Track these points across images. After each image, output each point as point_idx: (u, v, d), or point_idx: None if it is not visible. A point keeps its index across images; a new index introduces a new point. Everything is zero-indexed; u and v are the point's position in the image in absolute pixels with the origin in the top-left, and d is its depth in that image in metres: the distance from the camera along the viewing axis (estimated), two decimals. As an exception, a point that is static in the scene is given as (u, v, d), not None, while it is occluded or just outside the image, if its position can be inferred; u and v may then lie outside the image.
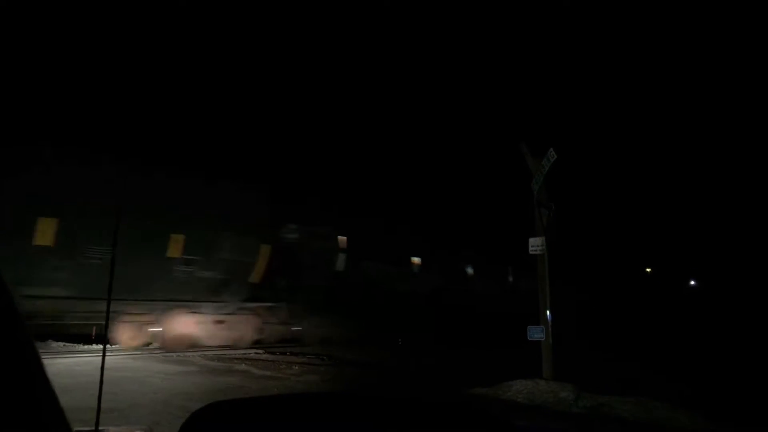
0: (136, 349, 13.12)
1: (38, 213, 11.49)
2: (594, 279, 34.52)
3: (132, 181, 12.33)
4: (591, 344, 16.09)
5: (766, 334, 19.55)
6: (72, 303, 12.21)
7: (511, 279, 29.26)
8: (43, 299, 11.58)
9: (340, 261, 18.46)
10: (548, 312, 9.92)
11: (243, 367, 11.44)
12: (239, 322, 15.21)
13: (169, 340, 13.53)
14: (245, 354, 13.67)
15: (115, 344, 12.95)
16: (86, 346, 12.58)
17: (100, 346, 14.37)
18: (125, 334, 12.95)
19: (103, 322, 11.84)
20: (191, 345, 13.82)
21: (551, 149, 10.04)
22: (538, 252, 10.19)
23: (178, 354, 12.88)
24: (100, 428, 1.26)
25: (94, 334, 13.06)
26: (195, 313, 14.08)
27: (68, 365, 9.78)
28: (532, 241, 10.24)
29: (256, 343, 15.30)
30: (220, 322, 14.72)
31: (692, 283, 47.10)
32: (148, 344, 13.59)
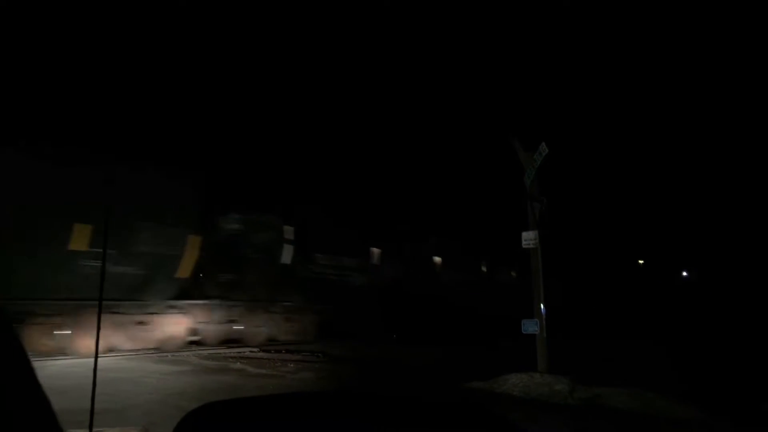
0: (46, 355, 11.25)
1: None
2: (586, 272, 34.66)
3: (38, 166, 11.06)
4: (583, 337, 16.18)
5: (758, 325, 19.72)
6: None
7: (485, 270, 28.28)
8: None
9: (287, 253, 17.06)
10: (542, 306, 9.96)
11: (238, 365, 11.43)
12: (166, 322, 13.58)
13: (80, 344, 11.51)
14: (240, 353, 13.65)
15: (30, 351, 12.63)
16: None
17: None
18: (31, 337, 11.02)
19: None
20: (106, 349, 11.49)
21: (543, 143, 10.06)
22: (531, 246, 10.22)
23: (173, 354, 12.84)
24: (94, 430, 1.25)
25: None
26: (112, 313, 12.17)
27: (62, 367, 9.74)
28: (525, 235, 10.26)
29: (191, 345, 14.05)
30: (142, 323, 13.04)
31: (684, 274, 47.38)
32: (61, 349, 11.58)
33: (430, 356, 14.13)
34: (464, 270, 26.08)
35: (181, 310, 14.07)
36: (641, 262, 45.62)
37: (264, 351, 14.14)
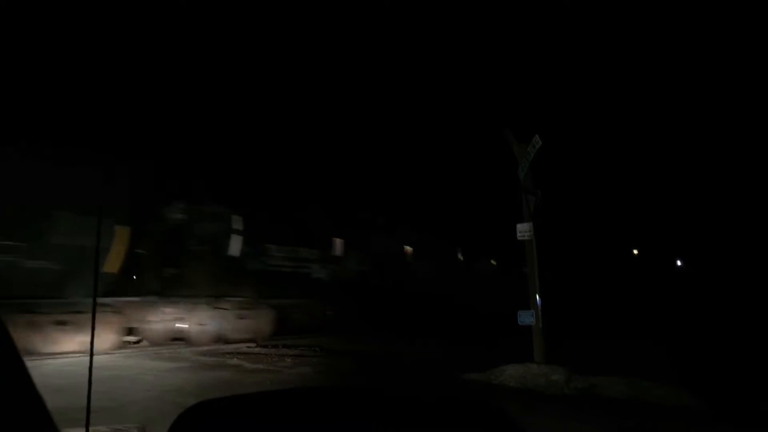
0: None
1: None
2: (581, 262, 34.77)
3: None
4: (578, 327, 16.24)
5: (750, 314, 19.84)
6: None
7: (461, 259, 26.76)
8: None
9: (235, 244, 15.83)
10: (537, 297, 10.01)
11: (235, 361, 11.44)
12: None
13: None
14: (237, 348, 13.65)
15: None
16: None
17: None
18: None
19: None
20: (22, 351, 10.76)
21: (536, 136, 10.08)
22: (526, 238, 10.25)
23: (169, 351, 12.83)
24: (91, 428, 1.25)
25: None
26: (25, 313, 11.22)
27: (59, 366, 9.73)
28: (519, 227, 10.30)
29: (125, 345, 13.11)
30: (63, 322, 11.80)
31: (679, 263, 47.58)
32: None
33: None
34: (439, 260, 24.68)
35: (113, 309, 12.73)
36: (636, 252, 45.81)
37: (261, 346, 14.14)
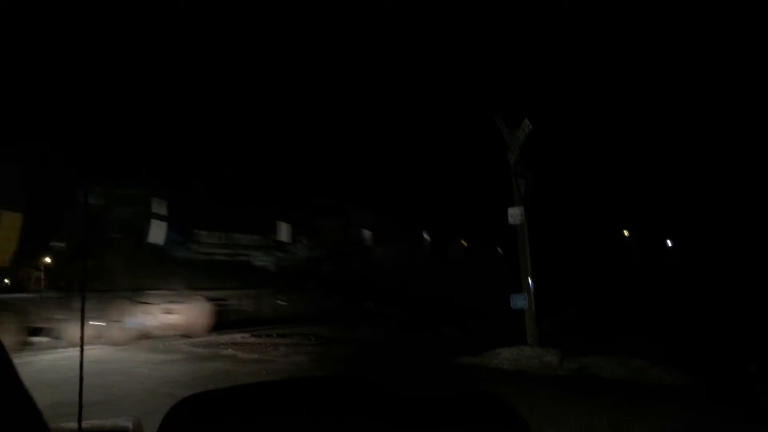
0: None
1: None
2: (571, 244, 34.93)
3: None
4: (568, 309, 16.35)
5: (740, 292, 20.05)
6: None
7: (428, 241, 25.01)
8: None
9: (158, 231, 14.11)
10: (530, 280, 10.06)
11: (229, 351, 11.44)
12: None
13: None
14: (231, 339, 13.65)
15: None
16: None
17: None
18: None
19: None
20: None
21: (526, 120, 10.09)
22: (517, 222, 10.28)
23: (164, 343, 12.82)
24: (83, 423, 1.24)
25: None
26: None
27: (52, 361, 9.70)
28: (511, 211, 10.32)
29: (26, 346, 11.66)
30: None
31: (669, 243, 47.94)
32: None
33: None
34: (403, 245, 22.97)
35: (6, 306, 11.43)
36: (626, 233, 46.09)
37: (254, 336, 14.15)
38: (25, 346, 11.43)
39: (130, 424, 1.38)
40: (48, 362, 9.52)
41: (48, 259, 13.78)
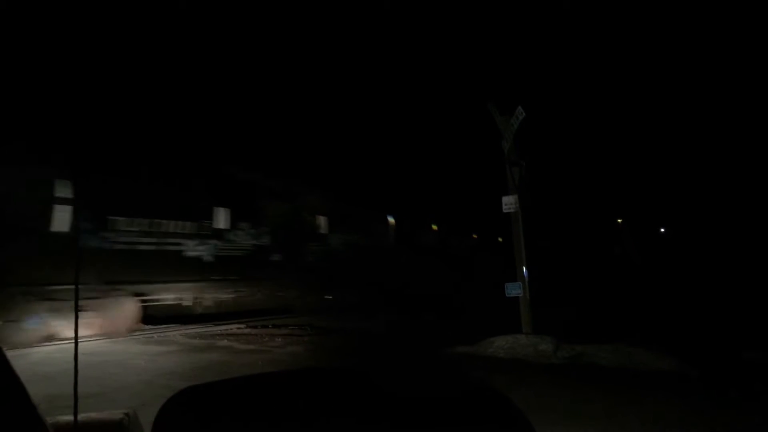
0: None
1: None
2: (565, 233, 35.07)
3: None
4: (561, 297, 16.44)
5: (737, 278, 20.20)
6: None
7: (392, 226, 22.87)
8: None
9: (61, 217, 12.34)
10: (524, 268, 10.10)
11: (225, 342, 11.45)
12: None
13: None
14: (227, 330, 13.66)
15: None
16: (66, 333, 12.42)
17: (80, 333, 13.79)
18: None
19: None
20: None
21: (519, 107, 10.07)
22: (511, 210, 10.29)
23: (159, 334, 12.81)
24: (79, 415, 1.24)
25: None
26: None
27: (48, 353, 9.67)
28: (505, 199, 10.33)
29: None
30: None
31: (662, 230, 48.18)
32: None
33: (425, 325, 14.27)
34: (366, 233, 21.08)
35: None
36: (620, 221, 46.29)
37: (251, 327, 14.17)
38: None
39: (126, 417, 1.38)
40: (43, 354, 9.50)
41: None
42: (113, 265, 12.88)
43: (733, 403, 5.87)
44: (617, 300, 17.38)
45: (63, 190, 12.43)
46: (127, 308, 12.97)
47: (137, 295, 13.26)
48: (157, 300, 13.93)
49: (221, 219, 15.98)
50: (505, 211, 10.37)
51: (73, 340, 1.27)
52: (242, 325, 14.47)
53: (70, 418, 1.23)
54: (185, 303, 14.67)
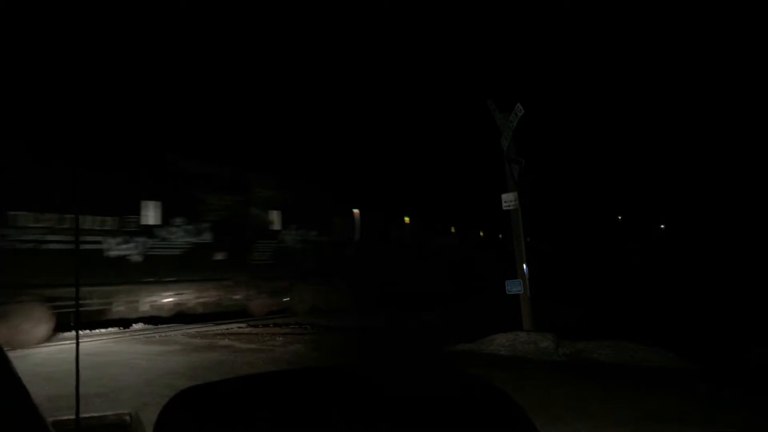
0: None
1: None
2: (567, 231, 35.06)
3: None
4: (563, 294, 16.45)
5: (737, 275, 20.19)
6: None
7: (357, 219, 20.25)
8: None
9: None
10: (525, 266, 10.10)
11: (226, 342, 11.46)
12: None
13: None
14: (228, 329, 13.68)
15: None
16: (65, 333, 12.44)
17: (81, 332, 12.82)
18: None
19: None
20: None
21: (518, 104, 10.07)
22: (511, 207, 10.30)
23: (160, 334, 12.83)
24: (81, 416, 1.24)
25: (72, 320, 12.21)
26: None
27: (50, 354, 9.69)
28: (504, 196, 10.34)
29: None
30: None
31: (662, 226, 48.18)
32: None
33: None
34: (327, 228, 18.94)
35: None
36: (620, 217, 46.30)
37: (251, 326, 14.19)
38: None
39: (128, 417, 1.38)
40: (44, 355, 9.51)
41: None
42: (15, 267, 11.42)
43: (733, 400, 5.88)
44: (617, 297, 17.39)
45: None
46: (35, 316, 11.54)
47: (49, 300, 11.69)
48: (72, 305, 12.03)
49: (151, 214, 14.06)
50: (504, 208, 10.38)
51: (75, 341, 1.27)
52: (243, 325, 14.50)
53: (72, 418, 1.24)
54: (115, 308, 13.15)
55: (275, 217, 17.28)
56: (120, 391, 6.68)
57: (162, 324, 14.07)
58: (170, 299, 14.33)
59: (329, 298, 17.91)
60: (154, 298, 13.91)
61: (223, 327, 13.99)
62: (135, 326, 13.77)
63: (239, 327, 14.10)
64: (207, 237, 15.13)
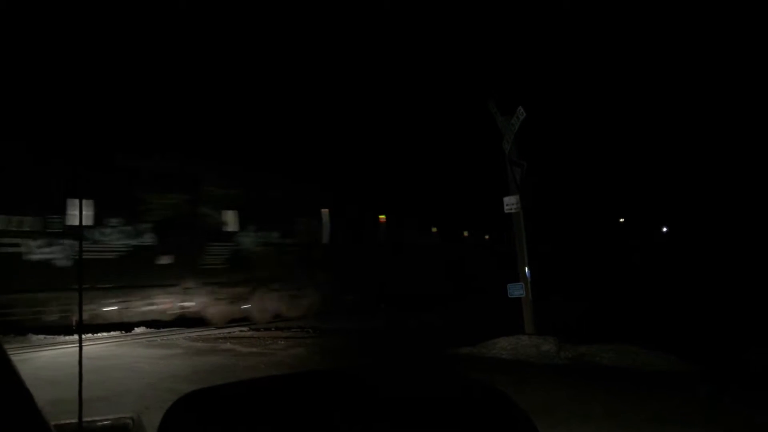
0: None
1: None
2: (568, 233, 35.04)
3: None
4: (565, 297, 16.43)
5: (738, 277, 20.16)
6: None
7: (328, 226, 18.49)
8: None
9: None
10: (527, 269, 10.09)
11: (228, 345, 11.46)
12: None
13: None
14: (229, 333, 13.69)
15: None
16: (67, 337, 12.46)
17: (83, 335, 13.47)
18: None
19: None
20: None
21: (520, 107, 10.07)
22: (513, 210, 10.29)
23: (162, 338, 12.84)
24: (84, 420, 1.25)
25: (74, 323, 11.99)
26: None
27: (52, 357, 9.69)
28: (506, 200, 10.33)
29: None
30: None
31: (664, 229, 48.12)
32: None
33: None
34: (289, 229, 17.16)
35: None
36: (622, 220, 46.26)
37: (253, 330, 14.19)
38: None
39: (130, 421, 1.39)
40: (47, 359, 9.52)
41: None
42: None
43: (735, 401, 5.87)
44: (619, 300, 17.36)
45: None
46: None
47: None
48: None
49: (78, 213, 12.70)
50: (506, 211, 10.37)
51: (78, 344, 1.27)
52: (245, 328, 14.51)
53: (75, 421, 1.24)
54: (46, 317, 12.07)
55: (231, 218, 15.69)
56: (122, 395, 6.68)
57: (164, 328, 13.93)
58: (112, 308, 13.01)
59: (295, 304, 16.61)
60: (92, 306, 12.50)
61: (225, 331, 14.00)
62: (137, 330, 13.75)
63: (241, 330, 14.12)
64: (149, 239, 13.63)
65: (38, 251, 12.01)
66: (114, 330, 13.47)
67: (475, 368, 8.24)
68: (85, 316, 12.29)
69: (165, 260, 13.85)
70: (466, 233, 28.14)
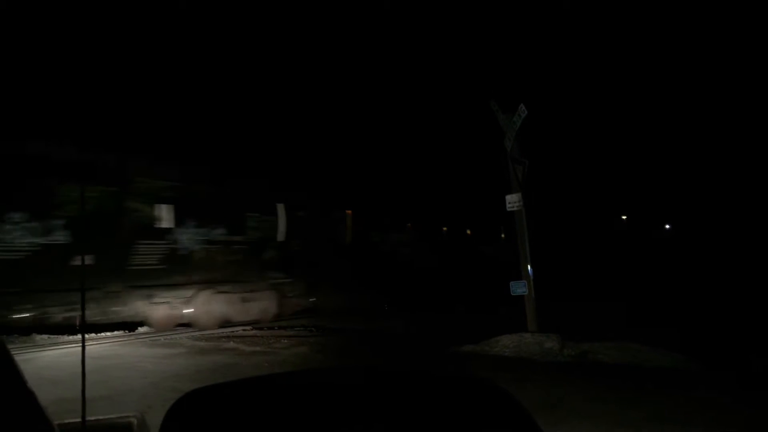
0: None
1: None
2: (569, 230, 35.01)
3: None
4: (568, 294, 16.42)
5: (740, 276, 20.13)
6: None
7: (284, 224, 16.44)
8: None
9: None
10: (529, 267, 10.09)
11: (231, 344, 11.48)
12: None
13: None
14: (233, 332, 13.70)
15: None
16: (71, 337, 12.48)
17: (87, 335, 12.29)
18: None
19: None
20: None
21: (521, 105, 10.07)
22: (515, 208, 10.29)
23: (165, 337, 12.85)
24: (87, 419, 1.25)
25: (78, 323, 12.17)
26: None
27: (55, 357, 9.71)
28: (508, 198, 10.33)
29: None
30: None
31: (667, 227, 48.05)
32: None
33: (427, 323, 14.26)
34: (238, 226, 15.44)
35: None
36: (624, 217, 46.21)
37: (256, 329, 14.20)
38: None
39: (134, 420, 1.39)
40: (50, 358, 9.54)
41: None
42: None
43: (737, 400, 5.86)
44: (622, 297, 17.34)
45: None
46: None
47: None
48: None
49: (17, 213, 11.19)
50: (508, 209, 10.37)
51: (81, 344, 1.28)
52: (248, 327, 14.51)
53: (78, 421, 1.24)
54: None
55: (165, 213, 13.73)
56: (125, 394, 6.69)
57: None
58: (26, 314, 11.66)
59: (247, 308, 15.23)
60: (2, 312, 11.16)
61: (228, 330, 14.01)
62: (140, 329, 13.77)
63: (244, 330, 14.13)
64: (63, 237, 11.72)
65: None
66: (117, 330, 13.57)
67: (478, 366, 8.24)
68: None
69: (84, 260, 11.67)
70: (445, 228, 26.67)
